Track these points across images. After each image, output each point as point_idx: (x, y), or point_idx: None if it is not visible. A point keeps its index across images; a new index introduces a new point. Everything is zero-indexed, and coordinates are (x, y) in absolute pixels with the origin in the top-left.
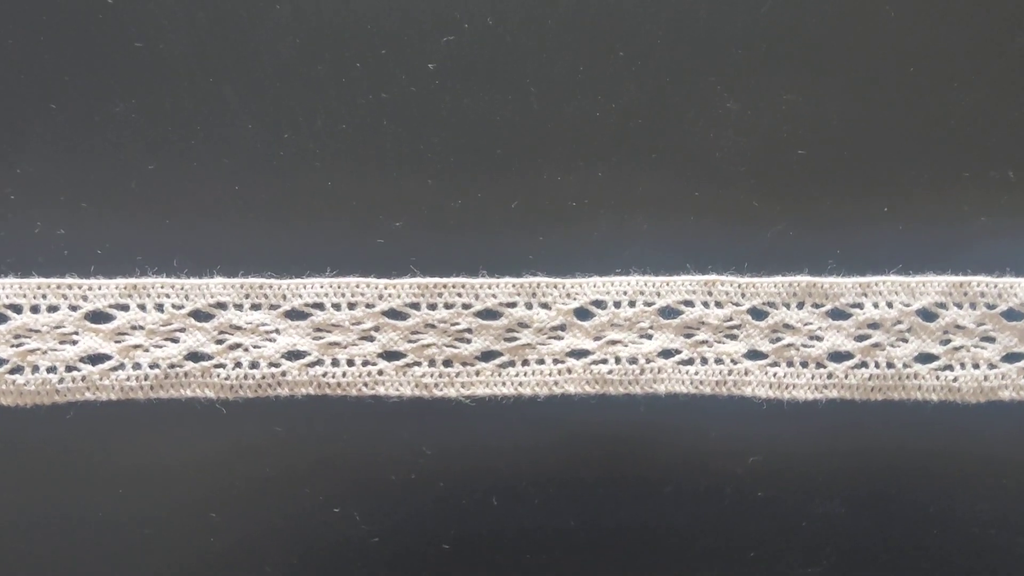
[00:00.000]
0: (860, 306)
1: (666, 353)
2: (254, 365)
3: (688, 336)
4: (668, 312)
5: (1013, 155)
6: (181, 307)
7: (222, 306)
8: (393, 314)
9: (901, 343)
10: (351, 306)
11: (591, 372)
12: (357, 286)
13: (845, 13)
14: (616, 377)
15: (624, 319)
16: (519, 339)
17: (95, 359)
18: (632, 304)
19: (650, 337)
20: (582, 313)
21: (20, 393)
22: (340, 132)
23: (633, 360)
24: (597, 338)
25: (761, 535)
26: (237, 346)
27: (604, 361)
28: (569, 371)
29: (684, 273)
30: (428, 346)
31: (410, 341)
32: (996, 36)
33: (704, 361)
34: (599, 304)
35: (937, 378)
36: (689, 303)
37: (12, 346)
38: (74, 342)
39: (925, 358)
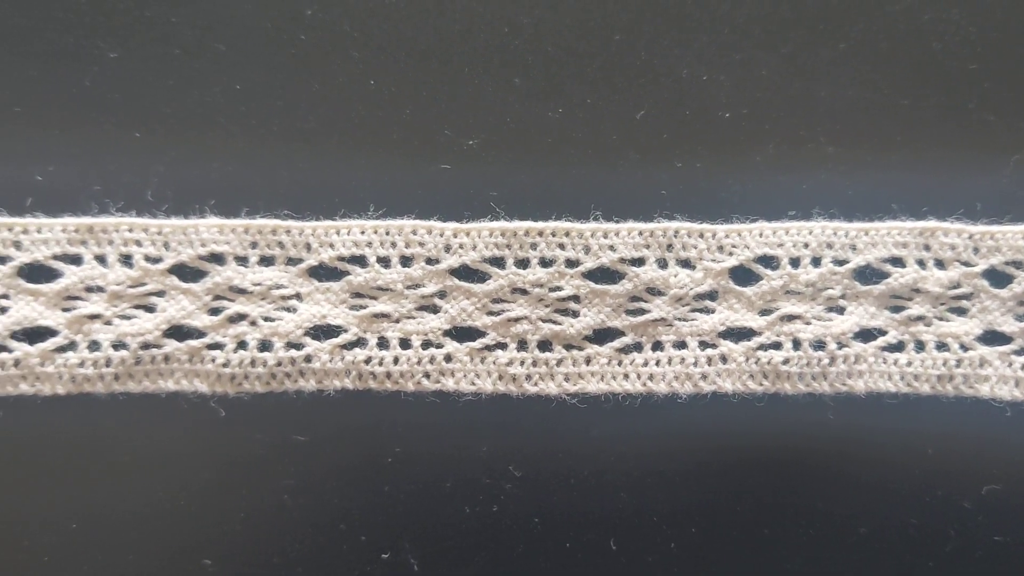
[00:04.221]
0: None
1: (865, 335)
2: (265, 347)
3: (897, 310)
4: (868, 274)
5: None
6: (158, 260)
7: (218, 259)
8: (466, 273)
9: None
10: (405, 261)
11: (757, 361)
12: (413, 232)
13: None
14: (794, 369)
15: (805, 284)
16: (649, 312)
17: (33, 335)
18: (816, 262)
19: (842, 311)
20: (742, 274)
21: None
22: (386, 7)
23: (819, 344)
24: (765, 312)
25: None
26: (240, 318)
27: (776, 346)
28: (724, 359)
29: (889, 218)
30: (517, 321)
31: (491, 313)
32: None
33: (920, 346)
34: (767, 262)
35: None
36: (898, 262)
37: None
38: (2, 310)
39: None
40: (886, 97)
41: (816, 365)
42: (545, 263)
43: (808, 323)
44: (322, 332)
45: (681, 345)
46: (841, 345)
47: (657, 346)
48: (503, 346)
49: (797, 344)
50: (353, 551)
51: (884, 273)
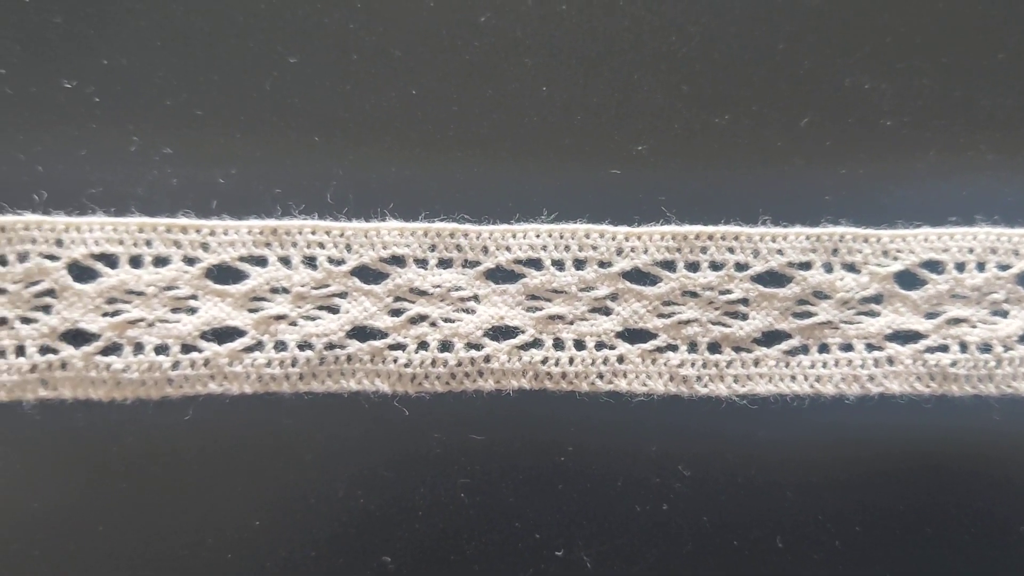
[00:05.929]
0: None
1: None
2: (445, 347)
3: None
4: None
5: None
6: (341, 262)
7: (399, 261)
8: (637, 276)
9: None
10: (579, 264)
11: (924, 363)
12: (586, 236)
13: None
14: (961, 371)
15: (970, 288)
16: (815, 315)
17: (221, 335)
18: (981, 267)
19: (1007, 315)
20: (907, 279)
21: (117, 382)
22: (558, 15)
23: (985, 347)
24: (931, 315)
25: None
26: (421, 319)
27: (943, 348)
28: (891, 361)
29: None
30: (687, 323)
31: (662, 316)
32: None
33: None
34: (933, 266)
35: None
36: None
37: (104, 315)
38: (192, 310)
39: None
40: None
41: (983, 367)
42: (715, 266)
43: (974, 326)
44: (500, 333)
45: (847, 347)
46: (1006, 348)
47: (824, 348)
48: (674, 348)
49: (964, 347)
50: (528, 548)
51: None
